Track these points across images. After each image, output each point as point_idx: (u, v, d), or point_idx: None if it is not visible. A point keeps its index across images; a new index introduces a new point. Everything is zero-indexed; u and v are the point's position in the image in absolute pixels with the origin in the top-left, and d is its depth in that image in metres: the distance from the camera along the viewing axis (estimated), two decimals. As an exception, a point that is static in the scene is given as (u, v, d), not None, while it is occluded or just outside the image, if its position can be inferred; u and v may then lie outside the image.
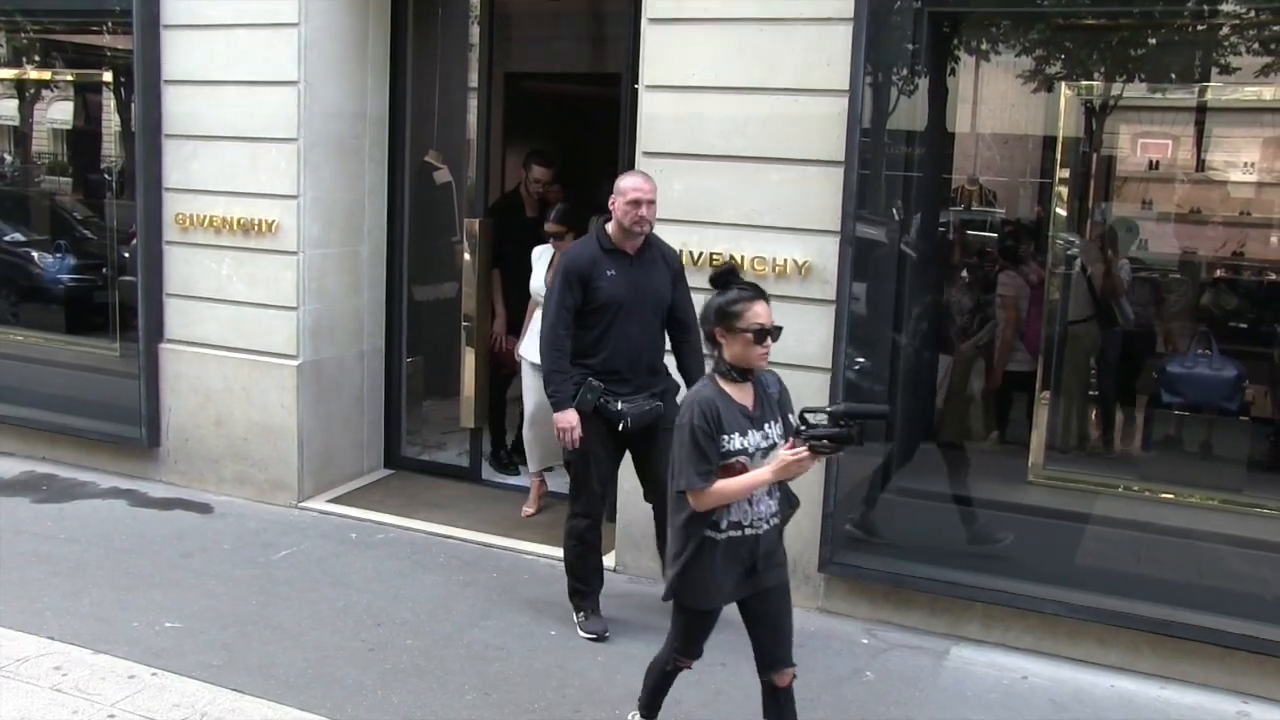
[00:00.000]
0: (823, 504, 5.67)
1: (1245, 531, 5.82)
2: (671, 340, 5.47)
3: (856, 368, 6.27)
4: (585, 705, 4.80)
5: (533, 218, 7.37)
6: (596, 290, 5.24)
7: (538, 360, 5.71)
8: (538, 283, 6.73)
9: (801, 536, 5.73)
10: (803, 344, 5.72)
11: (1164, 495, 5.91)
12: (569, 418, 5.27)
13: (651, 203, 5.25)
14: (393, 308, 7.71)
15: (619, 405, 5.27)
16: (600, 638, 5.40)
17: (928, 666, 5.24)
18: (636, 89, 6.10)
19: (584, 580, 5.55)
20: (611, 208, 5.29)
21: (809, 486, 5.67)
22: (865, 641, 5.47)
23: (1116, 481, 6.02)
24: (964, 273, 7.40)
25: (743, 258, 5.81)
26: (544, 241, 6.84)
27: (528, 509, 7.08)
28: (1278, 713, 4.99)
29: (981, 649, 5.39)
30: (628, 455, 5.55)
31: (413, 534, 6.72)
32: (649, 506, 6.08)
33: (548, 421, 5.64)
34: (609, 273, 5.24)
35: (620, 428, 5.28)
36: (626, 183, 5.27)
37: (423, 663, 5.11)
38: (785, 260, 5.76)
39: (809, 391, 5.70)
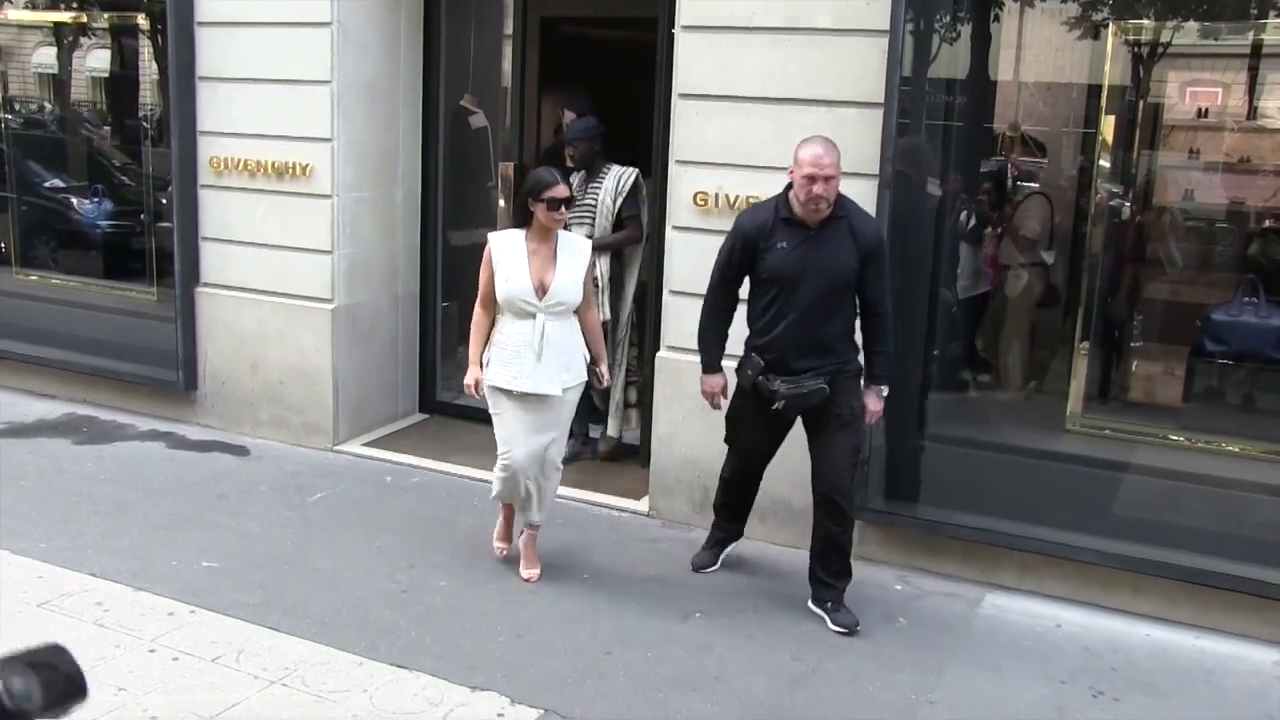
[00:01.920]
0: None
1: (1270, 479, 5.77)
2: (862, 317, 5.06)
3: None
4: (617, 646, 4.83)
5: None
6: (762, 261, 4.90)
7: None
8: None
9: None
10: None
11: (1204, 445, 5.85)
12: (712, 381, 5.20)
13: (831, 178, 4.72)
14: (427, 253, 7.72)
15: (775, 384, 4.93)
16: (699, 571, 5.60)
17: (961, 613, 5.24)
18: (673, 32, 6.05)
19: (725, 517, 5.63)
20: (790, 176, 4.86)
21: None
22: (899, 588, 5.48)
23: (1156, 430, 5.95)
24: (1005, 222, 7.33)
25: (777, 200, 5.77)
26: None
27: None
28: (1313, 661, 4.96)
29: (1015, 597, 5.39)
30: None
31: (447, 478, 6.77)
32: (682, 453, 6.10)
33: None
34: (780, 245, 4.85)
35: (774, 407, 4.97)
36: (805, 153, 4.76)
37: (456, 604, 5.17)
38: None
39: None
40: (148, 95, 8.17)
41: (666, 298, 6.11)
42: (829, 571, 5.11)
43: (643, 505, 6.27)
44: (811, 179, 4.71)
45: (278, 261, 7.18)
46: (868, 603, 5.25)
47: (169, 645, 4.65)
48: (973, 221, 7.10)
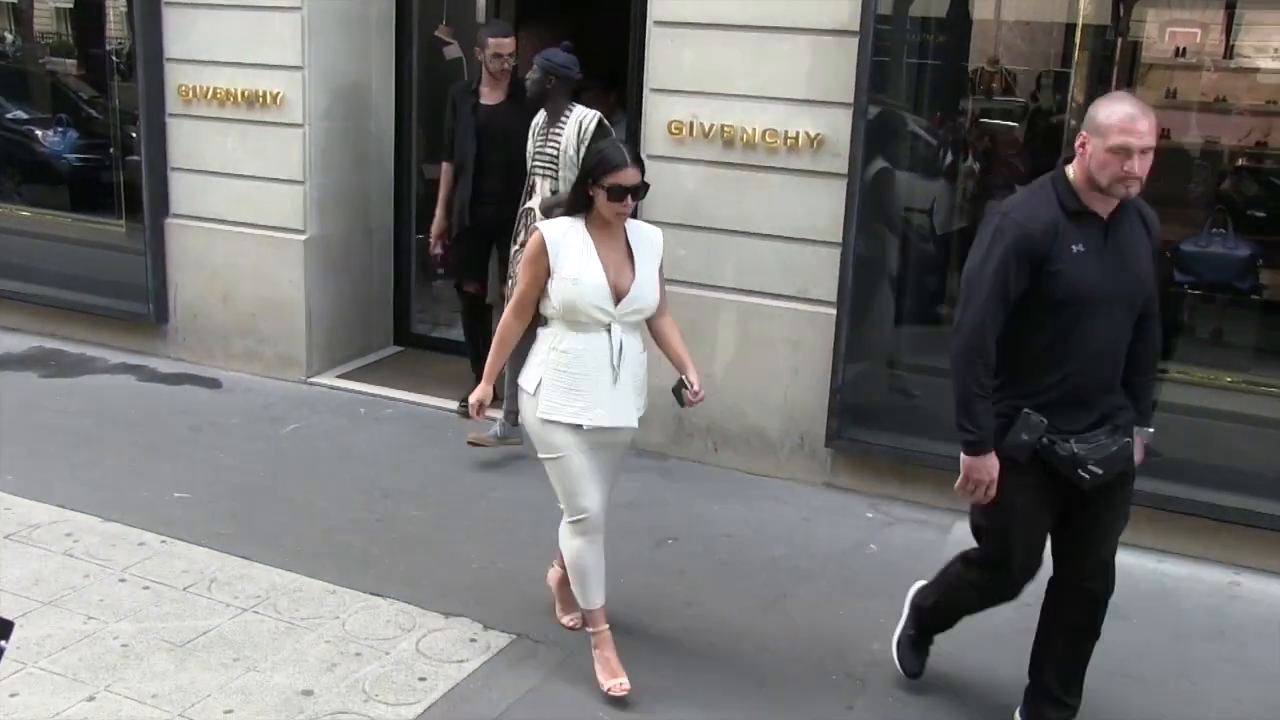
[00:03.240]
0: (830, 378, 5.68)
1: (1248, 409, 5.84)
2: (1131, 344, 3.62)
3: (895, 254, 6.25)
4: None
5: (498, 104, 6.24)
6: (1055, 276, 3.38)
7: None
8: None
9: (808, 411, 5.77)
10: (814, 217, 5.69)
11: (1173, 374, 5.89)
12: (987, 467, 3.49)
13: (1148, 150, 3.33)
14: (401, 185, 7.65)
15: (1074, 448, 3.45)
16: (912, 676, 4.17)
17: (932, 540, 5.28)
18: (648, -42, 5.98)
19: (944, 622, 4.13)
20: (1080, 149, 3.40)
21: (817, 361, 5.71)
22: (870, 515, 5.52)
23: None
24: (981, 155, 7.33)
25: (754, 130, 5.75)
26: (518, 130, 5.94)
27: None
28: (1266, 581, 5.09)
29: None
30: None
31: (421, 409, 6.76)
32: (655, 383, 6.08)
33: None
34: (1074, 248, 3.38)
35: (1086, 479, 3.47)
36: (1111, 116, 3.33)
37: (430, 533, 5.18)
38: (798, 133, 5.69)
39: (818, 264, 5.70)
40: (114, 25, 8.03)
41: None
42: (1069, 688, 3.82)
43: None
44: (1125, 151, 3.28)
45: (249, 192, 7.10)
46: (840, 529, 5.30)
47: (140, 575, 4.64)
48: (949, 157, 7.10)
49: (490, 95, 6.23)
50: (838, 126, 5.61)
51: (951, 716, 4.02)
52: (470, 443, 5.93)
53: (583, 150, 5.59)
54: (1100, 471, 3.44)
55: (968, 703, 4.09)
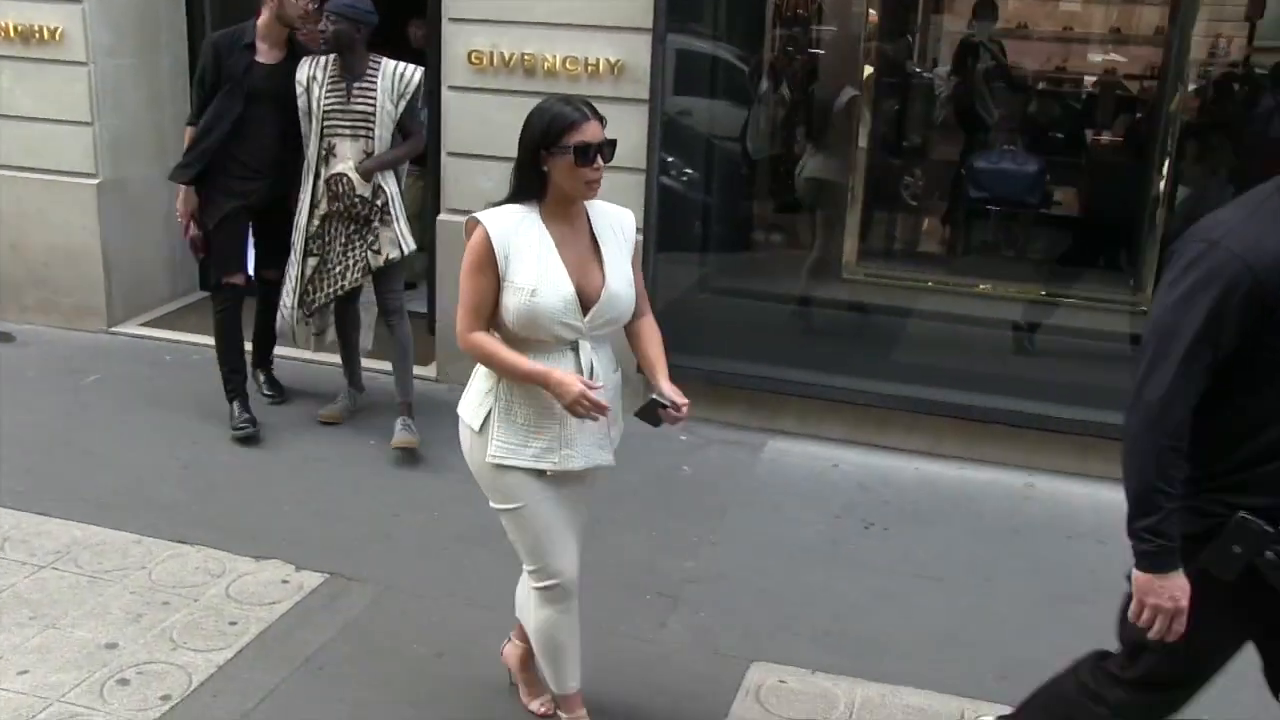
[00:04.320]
0: (641, 306, 5.72)
1: (1042, 319, 6.11)
2: None
3: (684, 178, 6.30)
4: (404, 509, 4.84)
5: (278, 64, 5.38)
6: None
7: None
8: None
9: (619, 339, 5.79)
10: (618, 147, 5.67)
11: (966, 287, 6.13)
12: (1172, 590, 2.53)
13: None
14: (199, 124, 7.34)
15: None
16: None
17: (744, 459, 5.40)
18: (439, -119, 5.84)
19: None
20: None
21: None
22: (684, 438, 5.59)
23: (924, 276, 6.20)
24: (789, 82, 7.44)
25: (555, 58, 5.69)
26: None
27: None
28: (1059, 482, 5.35)
29: (796, 441, 5.57)
30: None
31: (230, 354, 6.57)
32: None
33: None
34: None
35: None
36: None
37: (240, 477, 5.07)
38: (598, 60, 5.65)
39: (623, 191, 5.70)
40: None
41: (445, 160, 5.98)
42: None
43: (431, 371, 6.21)
44: None
45: (33, 135, 6.72)
46: (654, 453, 5.36)
47: (-73, 537, 4.44)
48: (763, 85, 7.19)
49: (269, 53, 5.35)
50: (637, 53, 5.60)
51: (765, 631, 4.11)
52: (322, 421, 5.65)
53: (402, 107, 5.20)
54: None
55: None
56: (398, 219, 5.31)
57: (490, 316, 3.01)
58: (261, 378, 5.99)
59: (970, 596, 4.38)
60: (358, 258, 5.31)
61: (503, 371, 3.00)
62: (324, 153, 5.23)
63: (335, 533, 4.60)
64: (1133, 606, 2.61)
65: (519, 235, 2.97)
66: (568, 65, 5.68)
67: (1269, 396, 2.46)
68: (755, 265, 6.77)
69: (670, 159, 6.18)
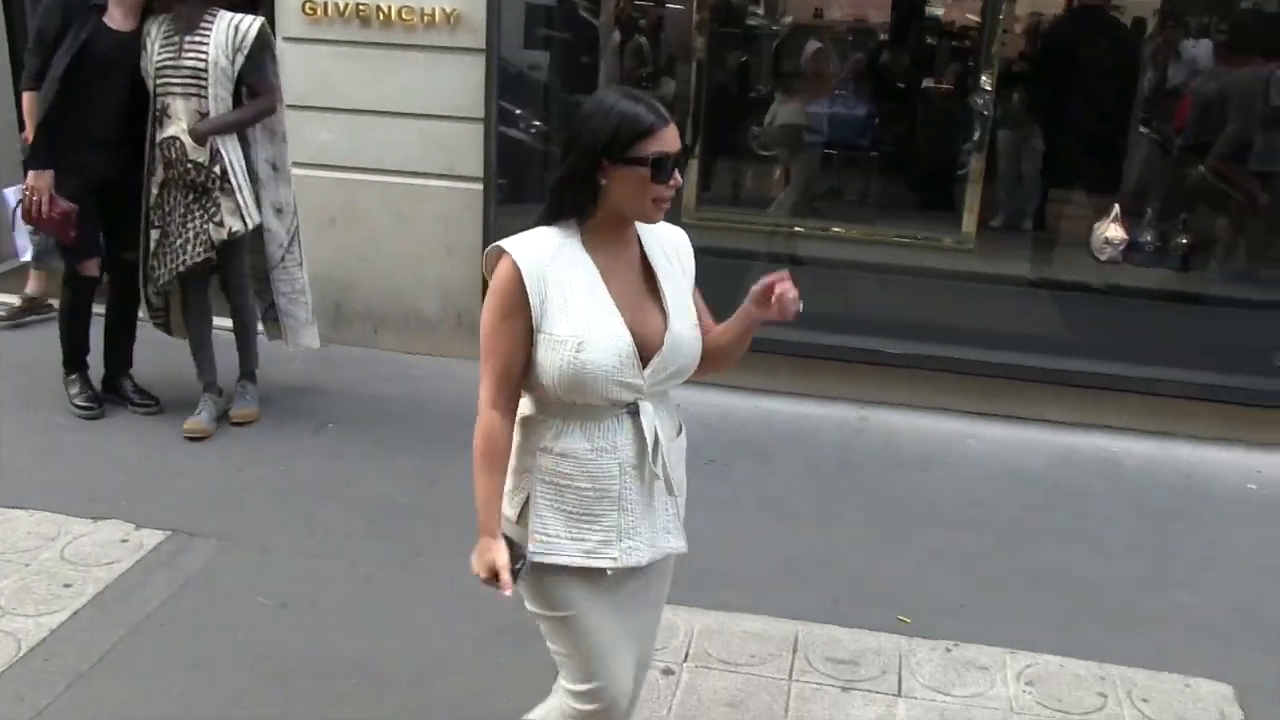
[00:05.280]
0: (482, 255, 5.63)
1: (872, 258, 6.21)
2: None
3: (533, 130, 6.22)
4: (249, 464, 4.73)
5: (132, 31, 4.81)
6: None
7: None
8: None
9: (465, 288, 5.73)
10: (455, 95, 5.58)
11: (801, 228, 6.19)
12: None
13: None
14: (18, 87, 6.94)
15: None
16: None
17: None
18: None
19: None
20: None
21: (469, 238, 5.66)
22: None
23: (760, 218, 6.24)
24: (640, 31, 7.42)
25: (390, 7, 5.55)
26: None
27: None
28: (888, 413, 5.47)
29: (638, 382, 5.57)
30: None
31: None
32: (310, 272, 5.87)
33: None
34: None
35: None
36: None
37: (77, 439, 4.89)
38: (434, 9, 5.53)
39: (462, 141, 5.61)
40: None
41: (283, 113, 5.78)
42: None
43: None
44: None
45: None
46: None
47: None
48: (614, 35, 7.16)
49: (124, 19, 4.78)
50: (474, 2, 5.49)
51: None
52: (187, 436, 4.91)
53: (239, 62, 4.71)
54: None
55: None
56: (240, 189, 4.79)
57: (522, 379, 2.31)
58: (128, 386, 5.24)
59: (807, 526, 4.46)
60: (198, 230, 4.77)
61: (483, 485, 2.34)
62: (158, 114, 4.75)
63: (178, 489, 4.47)
64: None
65: (558, 269, 2.25)
66: (403, 15, 5.55)
67: None
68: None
69: (519, 111, 6.11)
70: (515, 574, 2.31)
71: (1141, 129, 7.32)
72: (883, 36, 7.84)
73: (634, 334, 2.28)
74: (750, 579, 4.04)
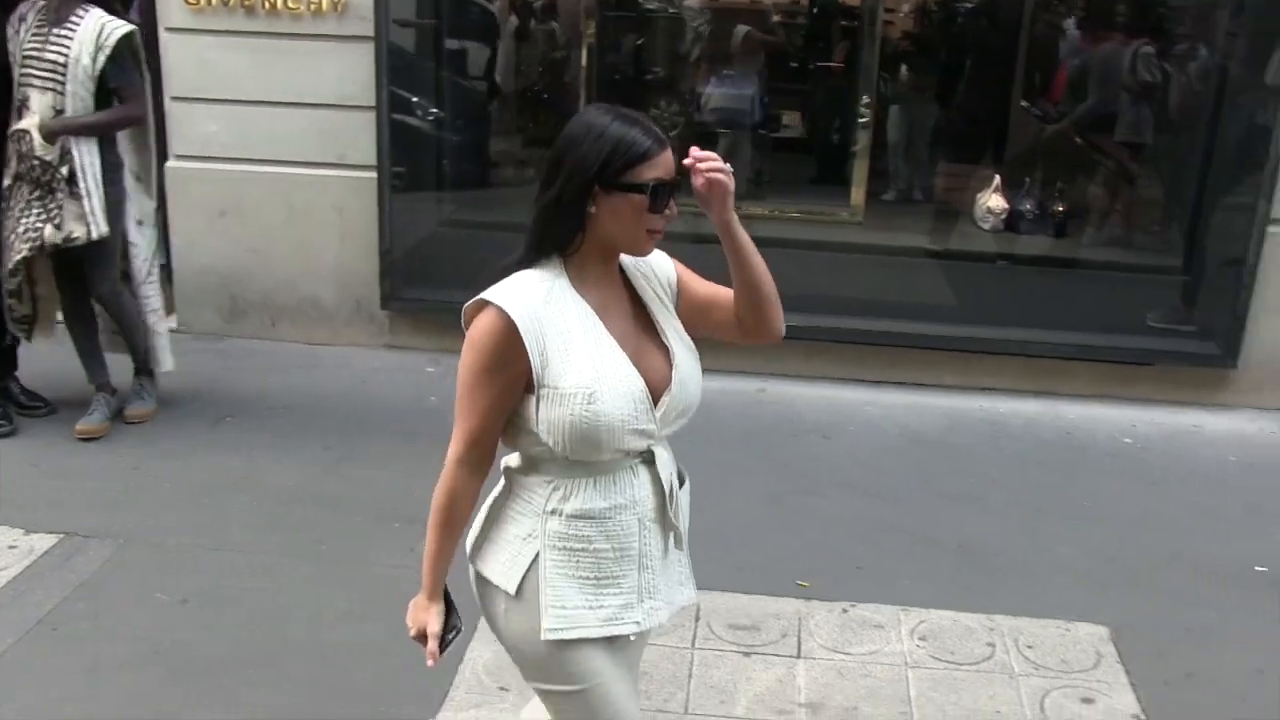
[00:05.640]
0: (379, 243, 5.59)
1: (767, 234, 6.22)
2: None
3: (430, 116, 6.16)
4: (146, 461, 4.63)
5: None
6: None
7: None
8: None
9: (361, 276, 5.67)
10: (345, 83, 5.50)
11: (695, 207, 6.22)
12: None
13: None
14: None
15: None
16: None
17: (488, 385, 5.36)
18: None
19: None
20: None
21: (364, 226, 5.60)
22: (431, 370, 5.52)
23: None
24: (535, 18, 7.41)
25: (275, -2, 5.45)
26: None
27: None
28: (786, 385, 5.54)
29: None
30: None
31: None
32: (203, 263, 5.76)
33: None
34: None
35: None
36: None
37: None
38: (320, -1, 5.45)
39: (354, 129, 5.54)
40: None
41: (169, 105, 5.66)
42: None
43: (171, 321, 5.92)
44: None
45: None
46: (402, 386, 5.28)
47: None
48: (511, 20, 7.14)
49: None
50: (363, -9, 5.44)
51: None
52: (80, 438, 4.75)
53: (100, 61, 4.47)
54: None
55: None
56: (89, 195, 4.50)
57: (496, 443, 2.10)
58: (15, 389, 5.02)
59: (709, 497, 4.41)
60: (30, 227, 4.50)
61: (436, 544, 2.14)
62: (18, 104, 4.53)
63: (70, 491, 4.36)
64: None
65: (553, 316, 2.00)
66: (290, 4, 5.46)
67: None
68: (500, 198, 6.71)
69: (415, 99, 6.05)
70: (444, 645, 2.15)
71: (1022, 103, 7.50)
72: (776, 18, 7.91)
73: (649, 375, 2.07)
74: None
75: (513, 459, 2.17)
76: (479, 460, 2.09)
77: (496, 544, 2.14)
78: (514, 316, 1.96)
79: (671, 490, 2.16)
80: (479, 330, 2.02)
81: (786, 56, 7.44)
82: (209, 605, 3.68)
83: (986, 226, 6.54)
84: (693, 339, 2.20)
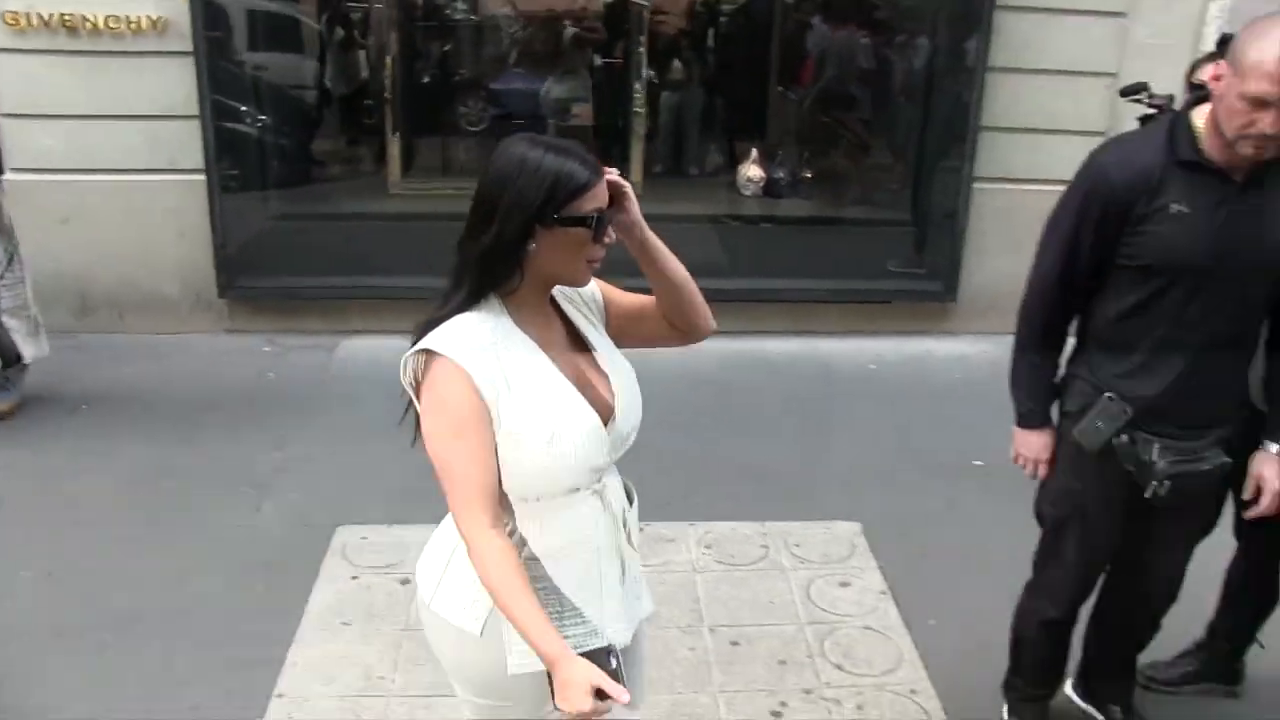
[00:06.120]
0: (212, 238, 5.40)
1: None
2: (1273, 326, 2.48)
3: (258, 123, 5.95)
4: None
5: None
6: (1141, 237, 2.31)
7: None
8: None
9: (199, 270, 5.47)
10: (170, 95, 5.27)
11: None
12: (1034, 444, 2.58)
13: None
14: None
15: (1154, 456, 2.39)
16: None
17: (321, 359, 5.26)
18: None
19: (1037, 679, 2.92)
20: (1213, 88, 2.23)
21: (199, 224, 5.41)
22: (267, 349, 5.37)
23: (458, 186, 6.22)
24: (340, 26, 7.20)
25: (96, 17, 5.14)
26: None
27: None
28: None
29: (366, 338, 5.42)
30: None
31: None
32: (52, 267, 5.45)
33: None
34: (1175, 208, 2.27)
35: (1148, 493, 2.43)
36: (1264, 53, 2.08)
37: None
38: (139, 18, 5.16)
39: (182, 137, 5.32)
40: None
41: (2, 122, 5.30)
42: (1120, 676, 2.96)
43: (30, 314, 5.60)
44: (1262, 104, 2.10)
45: None
46: (241, 366, 5.14)
47: None
48: (337, 32, 6.93)
49: None
50: (178, 8, 5.18)
51: (349, 501, 4.04)
52: None
53: None
54: (1170, 490, 2.39)
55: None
56: None
57: (499, 488, 1.77)
58: None
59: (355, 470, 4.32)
60: None
61: (519, 597, 1.67)
62: None
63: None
64: (1012, 451, 2.63)
65: (502, 359, 1.75)
66: (110, 24, 5.16)
67: (1136, 302, 2.35)
68: (322, 193, 6.56)
69: (244, 107, 5.83)
70: (617, 675, 1.67)
71: (779, 87, 7.70)
72: (563, 21, 7.91)
73: (602, 403, 1.85)
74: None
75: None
76: (496, 513, 1.74)
77: (454, 585, 1.87)
78: (466, 366, 1.70)
79: (625, 518, 1.94)
80: (436, 391, 1.72)
81: (571, 54, 7.43)
82: (72, 577, 3.53)
83: (748, 193, 6.71)
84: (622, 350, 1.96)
